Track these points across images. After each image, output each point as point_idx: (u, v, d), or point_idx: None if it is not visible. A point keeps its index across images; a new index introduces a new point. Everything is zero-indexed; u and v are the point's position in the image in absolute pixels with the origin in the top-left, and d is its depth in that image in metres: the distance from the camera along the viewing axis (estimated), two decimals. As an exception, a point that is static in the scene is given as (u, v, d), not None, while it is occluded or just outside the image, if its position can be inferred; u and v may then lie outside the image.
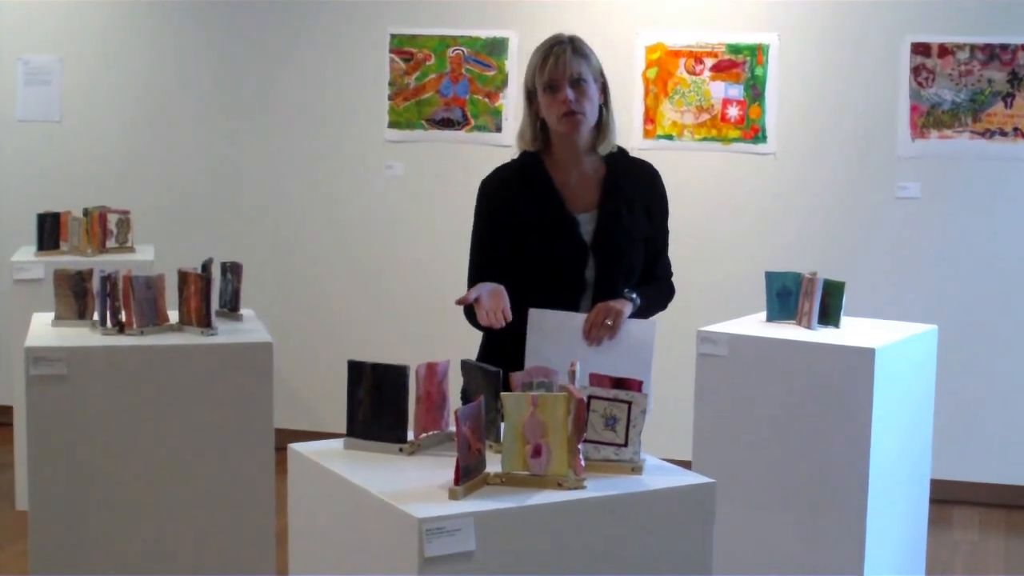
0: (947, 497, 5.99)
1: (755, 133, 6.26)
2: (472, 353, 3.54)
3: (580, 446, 2.47)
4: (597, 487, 2.47)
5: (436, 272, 6.50)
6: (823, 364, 4.12)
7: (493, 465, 2.49)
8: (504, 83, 6.45)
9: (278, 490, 3.83)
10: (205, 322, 4.03)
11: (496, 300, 3.40)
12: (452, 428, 2.68)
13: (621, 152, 3.70)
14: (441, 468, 2.53)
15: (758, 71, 6.23)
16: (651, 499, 2.50)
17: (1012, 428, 6.15)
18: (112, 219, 5.92)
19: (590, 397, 2.59)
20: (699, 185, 6.33)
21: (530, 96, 3.62)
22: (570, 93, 3.52)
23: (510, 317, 3.38)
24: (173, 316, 4.11)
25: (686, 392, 4.47)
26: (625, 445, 2.60)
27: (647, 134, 6.34)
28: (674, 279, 3.82)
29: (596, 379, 2.62)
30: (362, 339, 6.66)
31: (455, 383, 2.88)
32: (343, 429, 2.75)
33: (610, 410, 2.61)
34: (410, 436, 2.73)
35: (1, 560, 5.19)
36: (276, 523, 4.00)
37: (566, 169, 3.63)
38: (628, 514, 2.48)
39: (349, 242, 6.77)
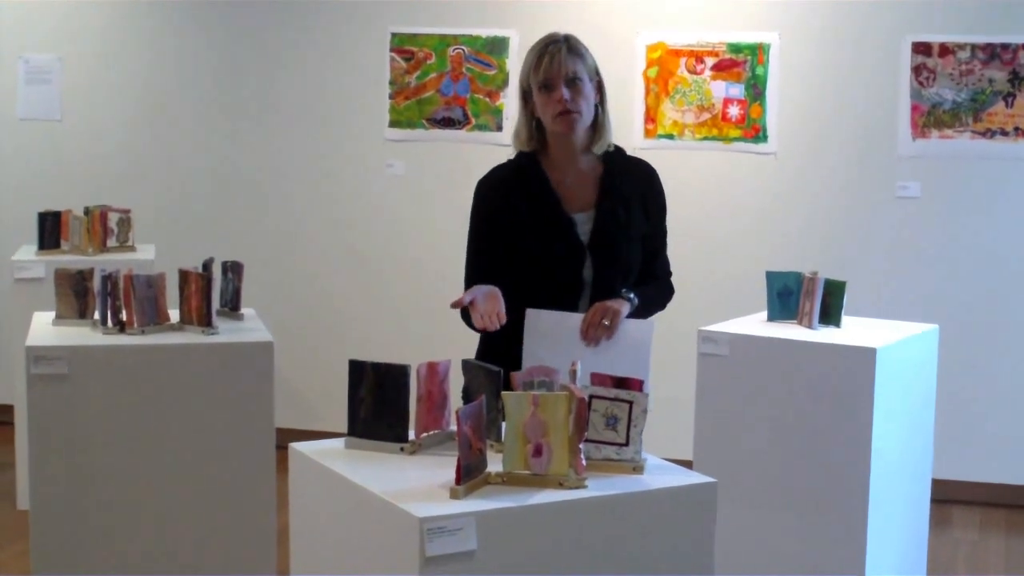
0: (947, 497, 5.99)
1: (756, 132, 6.26)
2: (473, 353, 3.54)
3: (581, 445, 2.47)
4: (598, 487, 2.47)
5: (437, 271, 6.50)
6: (824, 364, 4.12)
7: (494, 464, 2.49)
8: (505, 82, 6.45)
9: (279, 489, 3.83)
10: (206, 321, 4.03)
11: (491, 303, 3.39)
12: (453, 427, 2.68)
13: (618, 151, 3.69)
14: (442, 467, 2.52)
15: (759, 70, 6.23)
16: (652, 499, 2.50)
17: (1012, 428, 6.14)
18: (113, 218, 5.92)
19: (591, 396, 2.59)
20: (700, 185, 6.33)
21: (525, 95, 3.60)
22: (565, 92, 3.50)
23: (504, 320, 3.37)
24: (174, 315, 4.11)
25: (687, 392, 4.47)
26: (626, 444, 2.59)
27: (648, 133, 6.34)
28: (675, 279, 3.81)
29: (597, 378, 2.62)
30: (363, 338, 6.66)
31: (456, 382, 2.88)
32: (344, 428, 2.76)
33: (611, 409, 2.61)
34: (411, 435, 2.73)
35: (2, 559, 5.20)
36: (277, 522, 4.00)
37: (563, 169, 3.62)
38: (629, 514, 2.48)
39: (350, 241, 6.77)
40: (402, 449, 2.69)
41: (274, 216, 6.85)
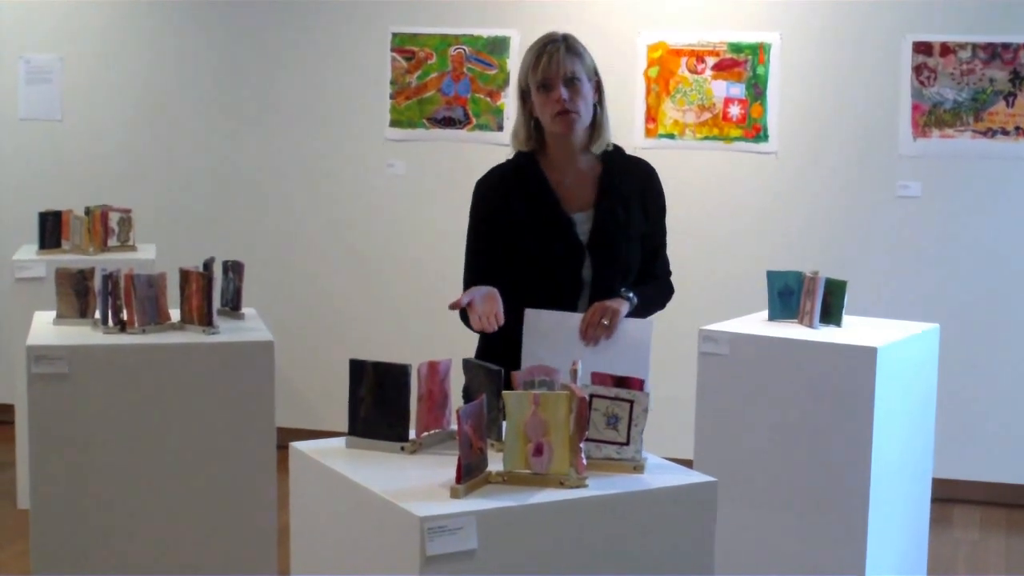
0: (948, 496, 5.99)
1: (757, 132, 6.26)
2: (473, 352, 3.54)
3: (582, 445, 2.47)
4: (599, 486, 2.47)
5: (437, 271, 6.50)
6: (825, 363, 4.12)
7: (495, 464, 2.49)
8: (506, 82, 6.45)
9: (279, 489, 3.84)
10: (207, 321, 4.03)
11: (489, 304, 3.39)
12: (454, 427, 2.68)
13: (617, 150, 3.68)
14: (443, 467, 2.52)
15: (760, 70, 6.23)
16: (653, 498, 2.50)
17: (1013, 427, 6.14)
18: (114, 218, 5.92)
19: (592, 396, 2.59)
20: (701, 184, 6.33)
21: (524, 95, 3.59)
22: (564, 92, 3.49)
23: (502, 321, 3.36)
24: (175, 315, 4.11)
25: (688, 391, 4.47)
26: (627, 444, 2.59)
27: (649, 133, 6.34)
28: (676, 278, 3.81)
29: (598, 378, 2.62)
30: (364, 338, 6.66)
31: (456, 382, 2.88)
32: (345, 428, 2.76)
33: (612, 409, 2.60)
34: (412, 435, 2.73)
35: (2, 559, 5.20)
36: (277, 521, 4.00)
37: (561, 168, 3.61)
38: (630, 513, 2.48)
39: (351, 241, 6.77)
40: (403, 448, 2.69)
41: (275, 216, 6.85)
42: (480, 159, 3.81)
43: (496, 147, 3.72)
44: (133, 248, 5.97)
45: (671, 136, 6.33)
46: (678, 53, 6.30)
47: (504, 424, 2.50)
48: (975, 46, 6.02)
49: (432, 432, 2.77)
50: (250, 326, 4.20)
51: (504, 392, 2.52)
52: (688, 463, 3.14)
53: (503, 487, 2.45)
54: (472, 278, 3.59)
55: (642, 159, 3.75)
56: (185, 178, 6.93)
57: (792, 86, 6.23)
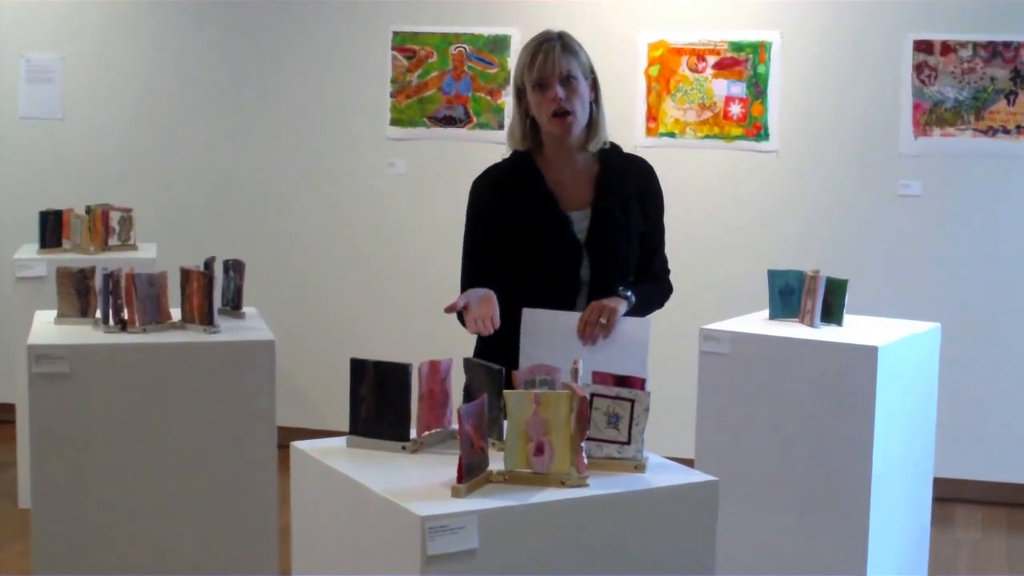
0: (949, 495, 5.98)
1: (757, 131, 6.26)
2: (473, 351, 3.53)
3: (583, 444, 2.47)
4: (600, 485, 2.47)
5: (438, 270, 6.50)
6: (826, 362, 4.11)
7: (496, 463, 2.49)
8: (506, 80, 6.45)
9: (281, 488, 3.84)
10: (207, 320, 4.03)
11: (485, 307, 3.37)
12: (455, 426, 2.68)
13: (614, 148, 3.66)
14: (444, 466, 2.52)
15: (760, 69, 6.23)
16: (654, 497, 2.50)
17: (1014, 426, 6.14)
18: (114, 217, 5.92)
19: (593, 395, 2.59)
20: (701, 183, 6.33)
21: (519, 94, 3.57)
22: (560, 91, 3.48)
23: (498, 324, 3.35)
24: (176, 314, 4.11)
25: (689, 390, 4.47)
26: (628, 443, 2.59)
27: (649, 132, 6.34)
28: (676, 277, 3.80)
29: (599, 377, 2.62)
30: (364, 337, 6.66)
31: (458, 381, 2.87)
32: (346, 427, 2.75)
33: (613, 408, 2.60)
34: (413, 434, 2.73)
35: (3, 558, 5.20)
36: (279, 521, 4.00)
37: (558, 167, 3.60)
38: (631, 512, 2.48)
39: (351, 240, 6.77)
40: (404, 448, 2.69)
41: (276, 215, 6.85)
42: (481, 158, 3.80)
43: (497, 146, 3.71)
44: (134, 247, 5.97)
45: (672, 135, 6.33)
46: (679, 52, 6.30)
47: (505, 423, 2.50)
48: (976, 45, 6.02)
49: (433, 431, 2.77)
50: (251, 325, 4.19)
51: (505, 391, 2.52)
52: (689, 462, 3.14)
53: (504, 486, 2.44)
54: (469, 278, 3.58)
55: (640, 157, 3.74)
56: (186, 177, 6.93)
57: (793, 85, 6.22)
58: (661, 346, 3.58)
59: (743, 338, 4.25)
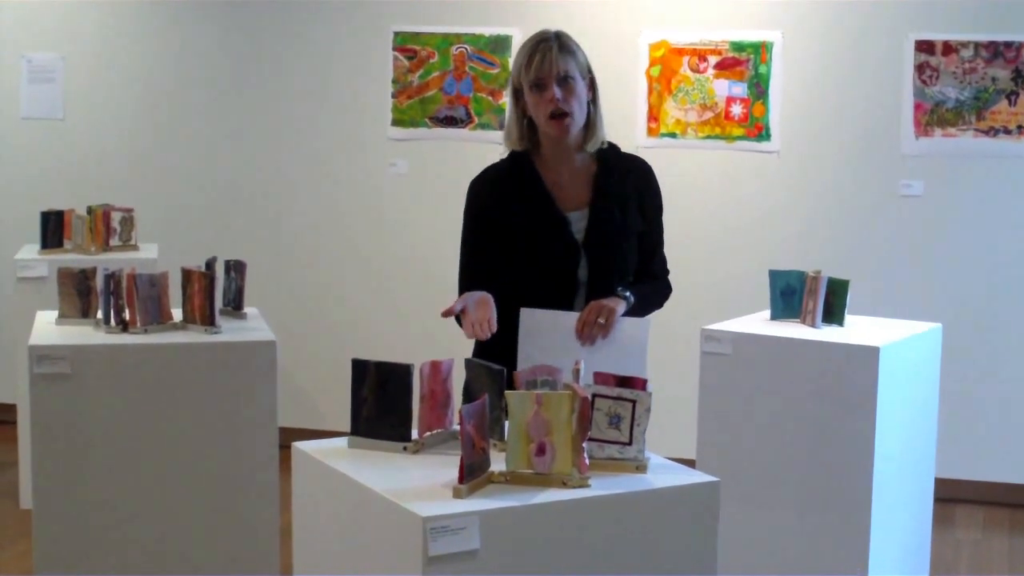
0: (950, 496, 5.98)
1: (759, 131, 6.26)
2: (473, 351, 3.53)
3: (584, 444, 2.47)
4: (601, 486, 2.47)
5: (440, 270, 6.48)
6: (827, 362, 4.11)
7: (497, 464, 2.49)
8: (508, 81, 6.44)
9: (282, 488, 3.84)
10: (209, 320, 4.03)
11: (482, 310, 3.36)
12: (456, 427, 2.68)
13: (612, 148, 3.65)
14: (445, 467, 2.52)
15: (762, 69, 6.23)
16: (655, 498, 2.50)
17: (1016, 427, 6.14)
18: (116, 217, 5.92)
19: (594, 395, 2.59)
20: (702, 183, 6.33)
21: (517, 94, 3.56)
22: (557, 92, 3.46)
23: (495, 328, 3.33)
24: (177, 314, 4.11)
25: (690, 390, 4.47)
26: (629, 444, 2.59)
27: (651, 132, 6.34)
28: (678, 277, 3.80)
29: (600, 377, 2.62)
30: (366, 337, 6.66)
31: (459, 381, 2.87)
32: (347, 427, 2.75)
33: (614, 408, 2.60)
34: (414, 435, 2.73)
35: (5, 559, 5.20)
36: (280, 521, 4.00)
37: (556, 167, 3.59)
38: (632, 513, 2.48)
39: (353, 240, 6.77)
40: (405, 448, 2.69)
41: (277, 215, 6.85)
42: (482, 158, 3.80)
43: (498, 146, 3.70)
44: (135, 247, 5.97)
45: (673, 135, 6.33)
46: (680, 52, 6.30)
47: (507, 424, 2.50)
48: (977, 45, 6.02)
49: (434, 432, 2.77)
50: (252, 326, 4.19)
51: (507, 392, 2.52)
52: (691, 463, 3.14)
53: (506, 487, 2.44)
54: (467, 278, 3.58)
55: (638, 157, 3.74)
56: (187, 177, 6.93)
57: (794, 85, 6.22)
58: (662, 346, 3.57)
59: (744, 338, 4.25)
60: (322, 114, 6.75)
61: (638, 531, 2.47)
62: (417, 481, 2.49)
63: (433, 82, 6.60)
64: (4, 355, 6.58)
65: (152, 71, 6.95)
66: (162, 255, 5.89)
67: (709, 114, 6.29)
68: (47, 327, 4.11)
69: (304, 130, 6.78)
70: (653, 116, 6.33)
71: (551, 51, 3.48)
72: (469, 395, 2.83)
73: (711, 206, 6.34)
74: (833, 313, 4.35)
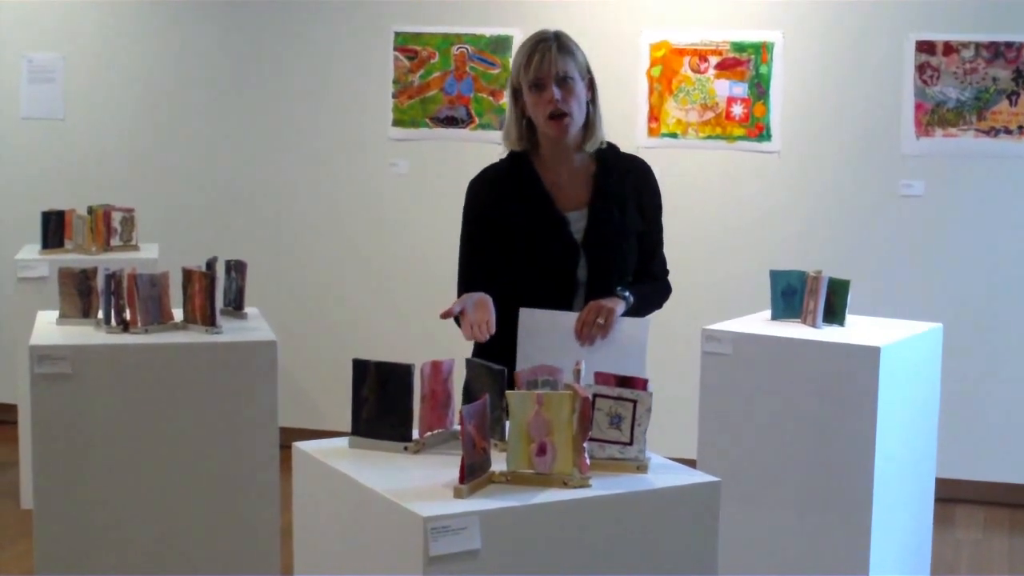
0: (951, 496, 5.98)
1: (760, 131, 6.26)
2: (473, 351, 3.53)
3: (585, 445, 2.47)
4: (602, 486, 2.47)
5: (441, 270, 6.47)
6: (828, 363, 4.11)
7: (498, 464, 2.49)
8: (508, 81, 6.44)
9: (282, 488, 3.83)
10: (210, 320, 4.03)
11: (481, 312, 3.36)
12: (457, 427, 2.68)
13: (612, 148, 3.65)
14: (446, 467, 2.52)
15: (763, 69, 6.23)
16: (656, 498, 2.50)
17: (1016, 427, 6.14)
18: (116, 217, 5.92)
19: (595, 395, 2.59)
20: (703, 183, 6.33)
21: (516, 94, 3.55)
22: (556, 92, 3.46)
23: (493, 330, 3.32)
24: (178, 314, 4.11)
25: (691, 391, 4.47)
26: (630, 444, 2.59)
27: (651, 132, 6.34)
28: (679, 277, 3.79)
29: (601, 377, 2.62)
30: (367, 337, 6.66)
31: (460, 382, 2.87)
32: (348, 428, 2.75)
33: (615, 408, 2.60)
34: (415, 435, 2.73)
35: (6, 558, 5.20)
36: (280, 521, 4.00)
37: (555, 167, 3.58)
38: (633, 513, 2.48)
39: (353, 240, 6.77)
40: (406, 448, 2.69)
41: (278, 215, 6.85)
42: (483, 158, 3.80)
43: (499, 146, 3.70)
44: (136, 248, 5.97)
45: (674, 135, 6.33)
46: (681, 52, 6.30)
47: (507, 424, 2.50)
48: (978, 45, 6.02)
49: (435, 432, 2.77)
50: (253, 326, 4.19)
51: (508, 392, 2.52)
52: (691, 463, 3.14)
53: (506, 487, 2.44)
54: (466, 279, 3.57)
55: (637, 157, 3.73)
56: (188, 177, 6.93)
57: (795, 85, 6.22)
58: (663, 346, 3.57)
59: (745, 338, 4.25)
60: (323, 114, 6.75)
61: (639, 531, 2.47)
62: (418, 481, 2.49)
63: (434, 82, 6.60)
64: (5, 355, 6.58)
65: (153, 71, 6.95)
66: (163, 255, 5.89)
67: (710, 114, 6.29)
68: (48, 327, 4.11)
69: (305, 130, 6.78)
70: (654, 116, 6.33)
71: (550, 51, 3.48)
72: (469, 395, 2.83)
73: (712, 206, 6.34)
74: (834, 313, 4.35)
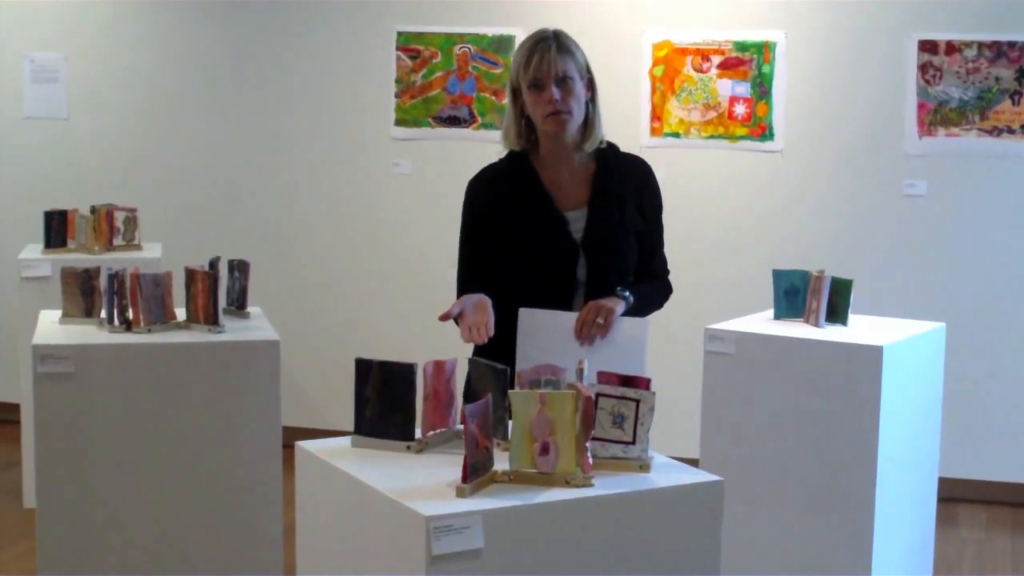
0: (954, 495, 5.98)
1: (762, 131, 6.26)
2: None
3: (588, 444, 2.47)
4: (605, 485, 2.47)
5: (443, 270, 6.45)
6: (831, 362, 4.11)
7: (501, 463, 2.49)
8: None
9: (285, 488, 3.83)
10: (212, 320, 4.03)
11: (479, 314, 3.35)
12: (460, 426, 2.68)
13: (611, 148, 3.64)
14: (449, 466, 2.52)
15: (765, 69, 6.22)
16: (659, 497, 2.50)
17: (1019, 426, 6.14)
18: (119, 216, 5.93)
19: (598, 395, 2.59)
20: (706, 183, 6.32)
21: (515, 93, 3.55)
22: (556, 92, 3.45)
23: (492, 332, 3.32)
24: (180, 314, 4.11)
25: (693, 390, 4.46)
26: (633, 443, 2.59)
27: (654, 132, 6.33)
28: (681, 277, 3.79)
29: (604, 377, 2.62)
30: (369, 337, 6.66)
31: (461, 381, 2.87)
32: (350, 427, 2.75)
33: (618, 408, 2.60)
34: (417, 434, 2.73)
35: (9, 558, 5.20)
36: (283, 521, 4.00)
37: (554, 167, 3.58)
38: (636, 512, 2.48)
39: (356, 240, 6.78)
40: (408, 448, 2.69)
41: (280, 215, 6.85)
42: (485, 158, 3.80)
43: (501, 146, 3.70)
44: (139, 247, 5.97)
45: (676, 135, 6.33)
46: (683, 52, 6.30)
47: (510, 423, 2.50)
48: (981, 44, 6.01)
49: (438, 431, 2.77)
50: (256, 325, 4.20)
51: (510, 391, 2.52)
52: (694, 462, 3.14)
53: (509, 486, 2.44)
54: (465, 278, 3.57)
55: (637, 156, 3.72)
56: (191, 177, 6.94)
57: (797, 85, 6.22)
58: (666, 346, 3.57)
59: (748, 338, 4.25)
60: (325, 114, 6.75)
61: (642, 530, 2.47)
62: (420, 480, 2.49)
63: (436, 82, 6.60)
64: (8, 355, 6.58)
65: (156, 71, 6.95)
66: (166, 255, 5.89)
67: (712, 114, 6.29)
68: (51, 327, 4.12)
69: (307, 130, 6.78)
70: (656, 116, 6.33)
71: (549, 51, 3.47)
72: (470, 394, 2.83)
73: (714, 206, 6.33)
74: (837, 312, 4.35)
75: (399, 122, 6.66)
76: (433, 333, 6.42)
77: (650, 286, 3.64)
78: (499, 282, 3.48)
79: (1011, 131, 6.01)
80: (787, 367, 4.18)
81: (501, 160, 3.65)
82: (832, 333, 4.26)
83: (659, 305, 3.70)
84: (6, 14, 7.09)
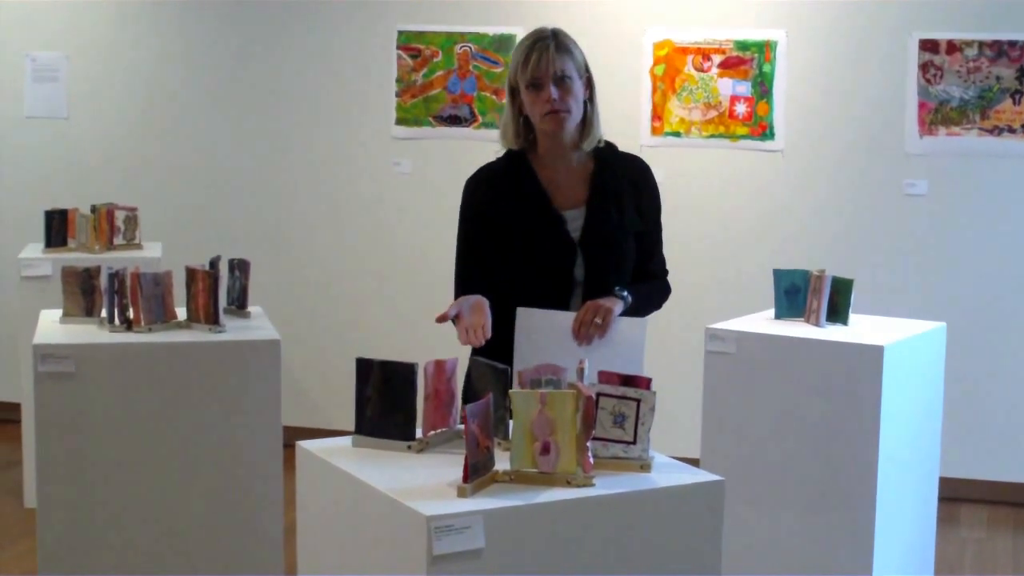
0: (955, 495, 5.98)
1: (763, 130, 6.25)
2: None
3: (589, 444, 2.47)
4: (606, 485, 2.47)
5: (443, 269, 6.43)
6: (831, 362, 4.11)
7: (502, 463, 2.49)
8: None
9: (286, 487, 3.83)
10: (213, 319, 4.03)
11: (476, 316, 3.34)
12: (460, 426, 2.68)
13: (609, 147, 3.63)
14: (450, 466, 2.52)
15: (766, 68, 6.22)
16: (660, 497, 2.50)
17: (1020, 426, 6.13)
18: (120, 216, 5.93)
19: (598, 394, 2.59)
20: (706, 182, 6.32)
21: (513, 92, 3.53)
22: (554, 91, 3.43)
23: (489, 334, 3.30)
24: (181, 313, 4.11)
25: (694, 390, 4.46)
26: (634, 443, 2.59)
27: (655, 131, 6.33)
28: (682, 276, 3.78)
29: (605, 376, 2.62)
30: (370, 336, 6.66)
31: (461, 381, 2.87)
32: (351, 427, 2.75)
33: (619, 407, 2.60)
34: (418, 434, 2.73)
35: (9, 557, 5.20)
36: (284, 520, 4.00)
37: (552, 166, 3.57)
38: (637, 512, 2.48)
39: (357, 239, 6.77)
40: (409, 447, 2.69)
41: (281, 214, 6.85)
42: (486, 157, 3.80)
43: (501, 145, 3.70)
44: (139, 246, 5.97)
45: (677, 134, 6.32)
46: (684, 51, 6.30)
47: (511, 423, 2.50)
48: (982, 44, 6.01)
49: (439, 431, 2.77)
50: (256, 325, 4.19)
51: (511, 391, 2.52)
52: (695, 462, 3.14)
53: (510, 486, 2.44)
54: (463, 277, 3.56)
55: (636, 156, 3.71)
56: (191, 176, 6.94)
57: (798, 84, 6.22)
58: (666, 345, 3.57)
59: (749, 337, 4.25)
60: (326, 113, 6.75)
61: (642, 530, 2.47)
62: (421, 480, 2.49)
63: (437, 81, 6.60)
64: (8, 354, 6.58)
65: (156, 70, 6.95)
66: (166, 254, 5.89)
67: (713, 113, 6.28)
68: (51, 326, 4.12)
69: (308, 129, 6.78)
70: (657, 115, 6.33)
71: (548, 50, 3.46)
72: (469, 393, 2.83)
73: (715, 205, 6.33)
74: (837, 312, 4.35)
75: (400, 121, 6.66)
76: (434, 333, 6.41)
77: (649, 286, 3.63)
78: (497, 281, 3.48)
79: (1012, 131, 6.01)
80: (788, 367, 4.18)
81: (499, 159, 3.64)
82: (833, 333, 4.26)
83: (658, 305, 3.68)
84: (7, 13, 7.09)
